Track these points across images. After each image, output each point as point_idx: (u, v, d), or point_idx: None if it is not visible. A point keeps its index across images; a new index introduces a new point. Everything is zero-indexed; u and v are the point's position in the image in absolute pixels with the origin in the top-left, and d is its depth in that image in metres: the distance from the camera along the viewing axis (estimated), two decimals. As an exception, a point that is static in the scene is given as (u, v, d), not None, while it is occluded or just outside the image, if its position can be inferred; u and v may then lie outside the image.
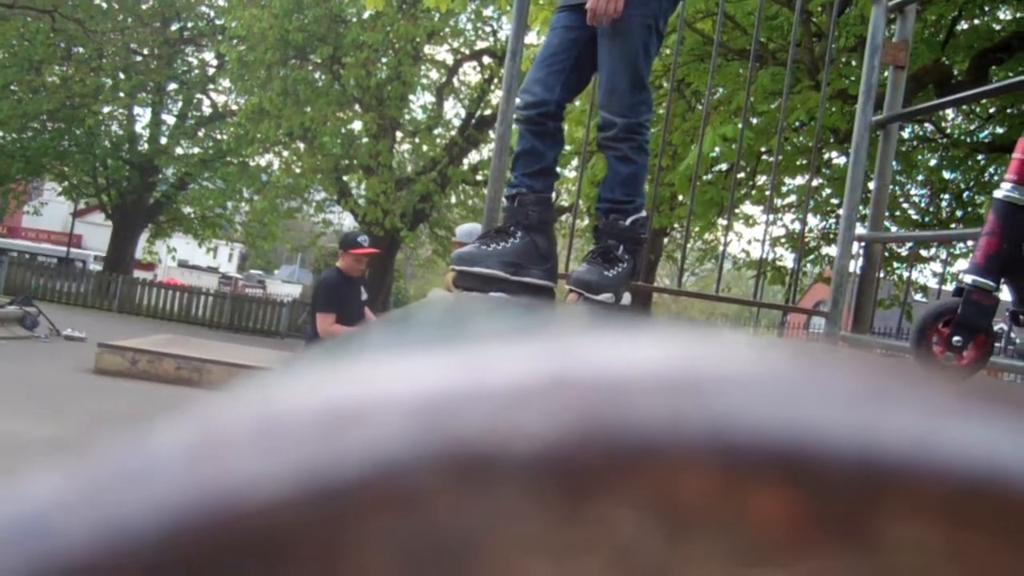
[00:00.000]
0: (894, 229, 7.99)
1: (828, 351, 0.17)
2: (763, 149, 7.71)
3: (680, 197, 8.19)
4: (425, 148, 17.24)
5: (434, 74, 18.06)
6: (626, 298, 2.02)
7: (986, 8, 7.79)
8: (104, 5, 19.57)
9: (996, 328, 1.53)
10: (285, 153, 17.81)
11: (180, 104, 21.26)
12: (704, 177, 7.93)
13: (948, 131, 9.35)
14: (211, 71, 20.68)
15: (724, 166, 8.48)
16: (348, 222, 18.92)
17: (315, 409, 0.14)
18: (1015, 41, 6.83)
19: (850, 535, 0.13)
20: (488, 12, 16.30)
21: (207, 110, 21.22)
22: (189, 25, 20.52)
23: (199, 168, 20.07)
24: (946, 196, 9.54)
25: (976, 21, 7.88)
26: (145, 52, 20.08)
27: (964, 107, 8.58)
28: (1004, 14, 8.00)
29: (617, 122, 1.90)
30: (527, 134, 1.99)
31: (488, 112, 16.86)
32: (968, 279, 1.42)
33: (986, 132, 9.01)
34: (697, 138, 4.44)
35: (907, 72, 2.86)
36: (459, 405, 0.14)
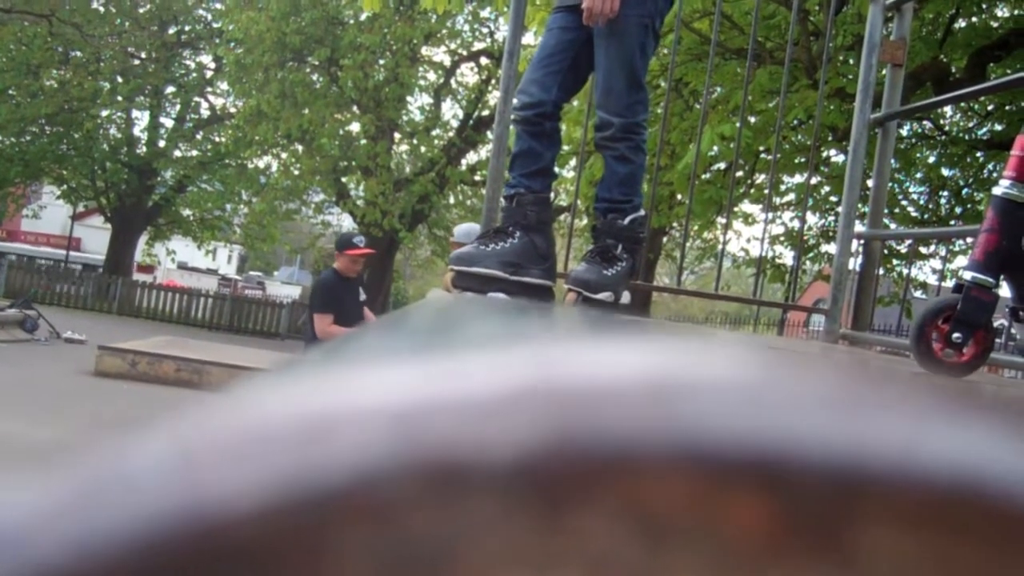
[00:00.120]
0: (893, 226, 7.99)
1: (805, 355, 0.17)
2: (761, 148, 7.71)
3: (679, 196, 8.19)
4: (423, 149, 17.25)
5: (432, 75, 18.07)
6: (625, 297, 2.02)
7: (984, 5, 7.79)
8: (101, 9, 19.57)
9: (996, 324, 1.53)
10: (283, 155, 17.82)
11: (178, 107, 21.27)
12: (703, 176, 7.93)
13: (947, 128, 9.35)
14: (209, 74, 20.68)
15: (722, 165, 8.49)
16: (347, 223, 18.92)
17: (294, 420, 0.14)
18: (1013, 38, 6.83)
19: (826, 543, 0.13)
20: (485, 13, 16.31)
21: (205, 113, 21.23)
22: (186, 29, 20.52)
23: (197, 171, 20.08)
24: (945, 193, 9.54)
25: (974, 19, 7.89)
26: (143, 56, 20.08)
27: (962, 104, 8.58)
28: (1002, 11, 8.00)
29: (614, 122, 1.90)
30: (524, 135, 1.99)
31: (486, 113, 16.86)
32: (967, 276, 1.42)
33: (984, 129, 9.02)
34: (695, 137, 4.44)
35: (905, 70, 2.86)
36: (435, 415, 0.14)
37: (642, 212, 2.01)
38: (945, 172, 9.26)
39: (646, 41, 1.89)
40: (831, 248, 7.70)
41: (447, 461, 0.13)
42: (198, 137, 20.77)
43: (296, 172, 17.07)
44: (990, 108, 8.47)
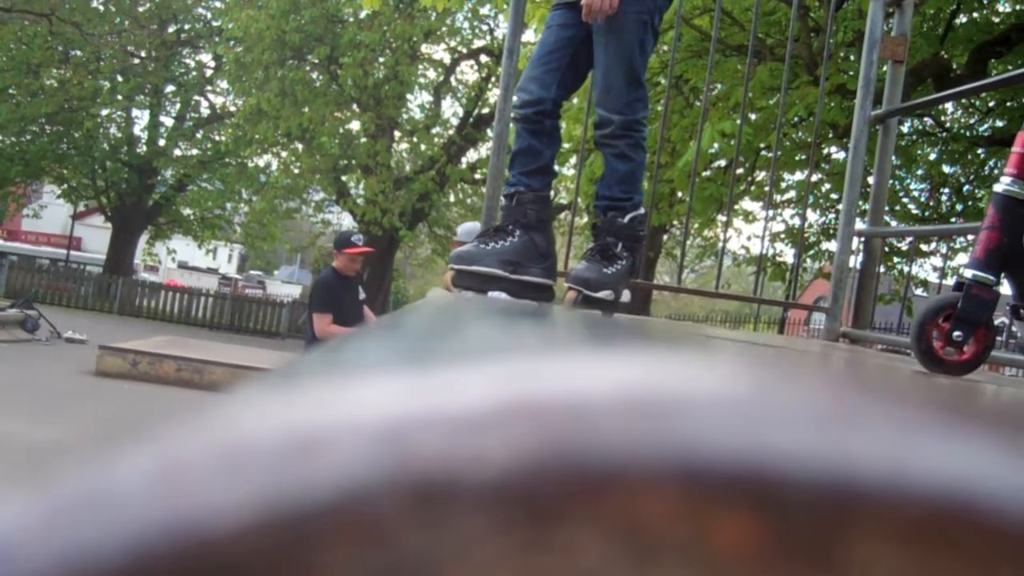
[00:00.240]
0: (894, 224, 7.98)
1: (799, 363, 0.17)
2: (762, 145, 7.70)
3: (679, 194, 8.18)
4: (423, 147, 17.24)
5: (431, 73, 18.06)
6: (625, 295, 2.01)
7: (984, 1, 7.78)
8: (101, 8, 19.56)
9: (997, 322, 1.52)
10: (283, 154, 17.82)
11: (178, 106, 21.26)
12: (703, 173, 7.92)
13: (948, 125, 9.34)
14: (208, 73, 20.68)
15: (723, 162, 8.48)
16: (347, 222, 18.92)
17: (280, 435, 0.14)
18: (1014, 34, 6.82)
19: (817, 560, 0.13)
20: (485, 11, 16.29)
21: (205, 112, 21.22)
22: (186, 27, 20.51)
23: (198, 169, 20.07)
24: (946, 190, 9.53)
25: (975, 14, 7.87)
26: (143, 55, 20.08)
27: (963, 101, 8.57)
28: (1003, 7, 7.98)
29: (614, 119, 1.89)
30: (524, 133, 1.98)
31: (486, 111, 16.85)
32: (968, 273, 1.42)
33: (986, 126, 9.00)
34: (696, 134, 4.44)
35: (906, 66, 2.85)
36: (422, 431, 0.14)
37: (642, 210, 2.01)
38: (946, 169, 9.25)
39: (645, 38, 1.88)
40: (832, 246, 7.68)
41: (434, 477, 0.13)
42: (198, 136, 20.77)
43: (296, 171, 17.07)
44: (991, 104, 8.46)
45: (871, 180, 2.95)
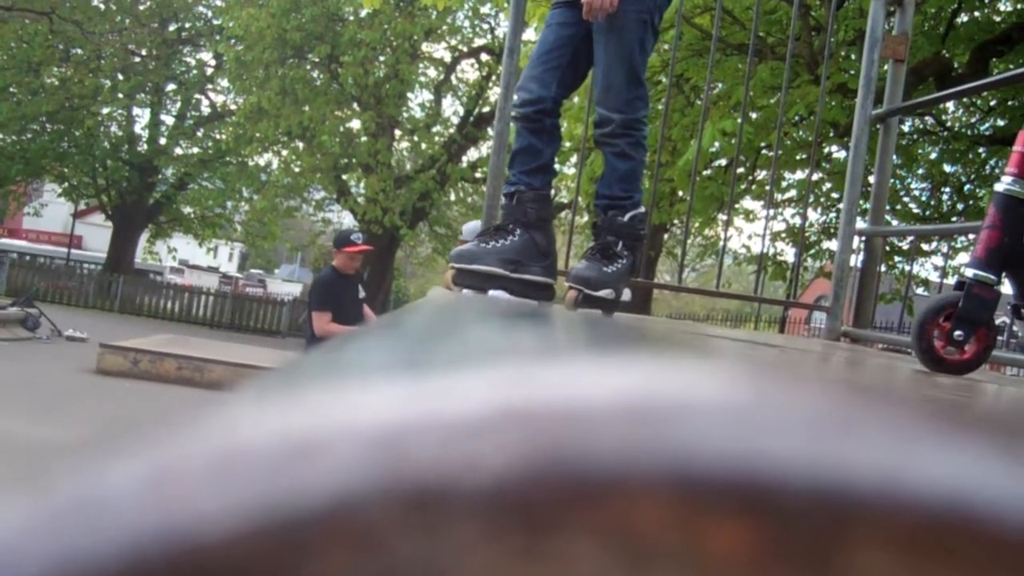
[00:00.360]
0: (895, 223, 7.97)
1: (796, 367, 0.16)
2: (763, 144, 7.69)
3: (680, 193, 8.18)
4: (424, 146, 17.23)
5: (432, 72, 18.05)
6: (626, 294, 2.01)
7: (986, 0, 7.77)
8: (102, 6, 19.56)
9: (998, 322, 1.52)
10: (284, 152, 17.81)
11: (179, 104, 21.26)
12: (704, 172, 7.92)
13: (949, 124, 9.33)
14: (209, 71, 20.67)
15: (724, 161, 8.47)
16: (348, 220, 18.91)
17: (273, 442, 0.14)
18: (1015, 33, 6.81)
19: (812, 568, 0.13)
20: (485, 9, 16.28)
21: (206, 110, 21.22)
22: (187, 25, 20.50)
23: (198, 168, 20.07)
24: (947, 189, 9.52)
25: (976, 13, 7.86)
26: (143, 53, 20.07)
27: (965, 100, 8.56)
28: (1004, 5, 7.97)
29: (614, 118, 1.89)
30: (524, 131, 1.98)
31: (486, 109, 16.84)
32: (969, 273, 1.42)
33: (987, 125, 8.99)
34: (696, 133, 4.43)
35: (907, 65, 2.85)
36: (416, 438, 0.14)
37: (642, 209, 2.01)
38: (947, 168, 9.24)
39: (645, 37, 1.88)
40: (832, 245, 7.68)
41: (427, 484, 0.13)
42: (199, 134, 20.77)
43: (297, 169, 17.07)
44: (992, 103, 8.45)
45: (872, 179, 2.95)
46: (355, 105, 16.73)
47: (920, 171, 9.58)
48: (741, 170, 8.43)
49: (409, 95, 17.23)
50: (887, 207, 3.64)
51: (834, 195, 9.05)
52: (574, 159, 8.01)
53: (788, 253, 10.41)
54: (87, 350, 9.18)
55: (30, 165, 19.74)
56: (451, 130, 17.71)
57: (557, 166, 2.17)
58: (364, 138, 16.27)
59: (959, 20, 7.62)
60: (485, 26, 17.22)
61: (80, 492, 0.14)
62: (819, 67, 6.21)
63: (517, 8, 2.29)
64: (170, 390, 7.27)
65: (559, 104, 1.98)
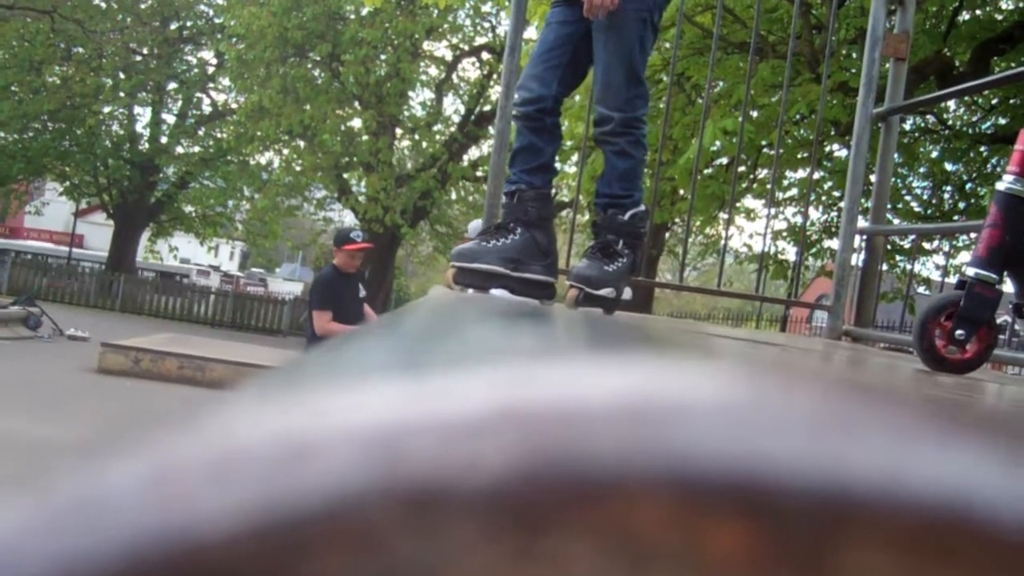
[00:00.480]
0: (896, 222, 7.96)
1: (795, 367, 0.16)
2: (764, 142, 7.69)
3: (681, 191, 8.18)
4: (425, 145, 17.23)
5: (433, 70, 18.05)
6: (627, 293, 2.01)
7: (987, -2, 7.75)
8: (103, 5, 19.56)
9: (999, 321, 1.52)
10: (285, 151, 17.81)
11: (180, 103, 21.27)
12: (705, 171, 7.91)
13: (950, 122, 9.32)
14: (210, 70, 20.67)
15: (725, 160, 8.47)
16: (349, 219, 18.91)
17: (271, 442, 0.14)
18: (1017, 31, 6.80)
19: (810, 568, 0.13)
20: (487, 8, 16.27)
21: (207, 109, 21.22)
22: (188, 24, 20.50)
23: (199, 167, 20.08)
24: (948, 188, 9.51)
25: (978, 11, 7.85)
26: (145, 52, 20.08)
27: (966, 98, 8.55)
28: (1006, 3, 7.96)
29: (614, 117, 1.89)
30: (525, 130, 1.98)
31: (488, 108, 16.83)
32: (970, 272, 1.41)
33: (988, 123, 8.98)
34: (697, 132, 4.43)
35: (908, 64, 2.84)
36: (414, 439, 0.14)
37: (642, 207, 2.00)
38: (949, 167, 9.23)
39: (645, 35, 1.87)
40: (834, 244, 7.68)
41: (426, 485, 0.13)
42: (200, 133, 20.77)
43: (298, 168, 17.07)
44: (994, 102, 8.44)
45: (873, 178, 2.95)
46: (356, 104, 16.73)
47: (922, 170, 9.57)
48: (742, 169, 8.42)
49: (410, 94, 17.24)
50: (888, 206, 3.63)
51: (835, 194, 9.04)
52: (575, 158, 8.00)
53: (789, 252, 10.40)
54: (88, 349, 9.19)
55: (31, 164, 19.75)
56: (452, 129, 17.70)
57: (558, 165, 2.17)
58: (365, 137, 16.27)
59: (960, 18, 7.61)
60: (486, 24, 17.23)
61: (80, 492, 0.14)
62: (820, 65, 6.20)
63: (518, 6, 2.29)
64: (171, 389, 7.27)
65: (560, 103, 1.98)
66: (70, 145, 19.96)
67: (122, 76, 19.57)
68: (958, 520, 0.13)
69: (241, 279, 31.42)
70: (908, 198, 9.68)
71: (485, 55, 17.36)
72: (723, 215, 8.85)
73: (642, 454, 0.13)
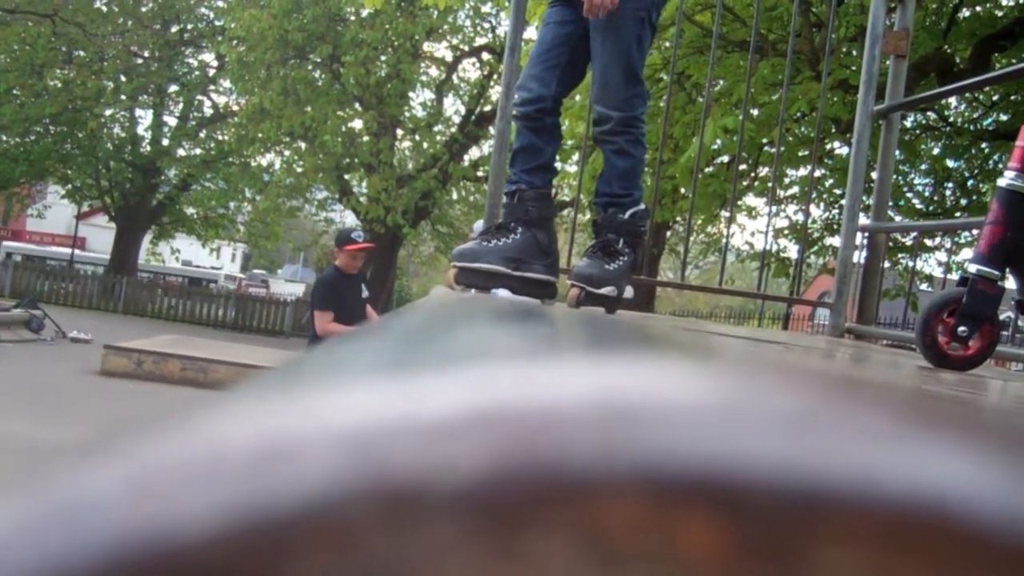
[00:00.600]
0: (898, 219, 7.95)
1: (772, 371, 0.16)
2: (765, 141, 7.68)
3: (682, 190, 8.17)
4: (426, 145, 17.23)
5: (433, 71, 18.06)
6: (628, 292, 2.00)
7: (988, -5, 7.74)
8: (104, 8, 19.59)
9: (1002, 317, 1.52)
10: (286, 152, 17.83)
11: (181, 105, 21.29)
12: (706, 170, 7.91)
13: (951, 119, 9.30)
14: (211, 72, 20.69)
15: (726, 158, 8.46)
16: (350, 220, 18.92)
17: (251, 445, 0.14)
18: (1018, 27, 6.78)
19: (781, 564, 0.13)
20: (487, 8, 16.28)
21: (208, 111, 21.24)
22: (189, 27, 20.52)
23: (201, 169, 20.10)
24: (950, 185, 9.50)
25: (978, 8, 7.83)
26: (146, 54, 20.10)
27: (967, 95, 8.53)
28: (1006, 0, 7.94)
29: (612, 116, 1.89)
30: (525, 130, 1.98)
31: (488, 108, 16.84)
32: (972, 268, 1.41)
33: (990, 120, 8.97)
34: (698, 130, 4.42)
35: (908, 61, 2.84)
36: (391, 440, 0.14)
37: (643, 206, 2.00)
38: (950, 163, 9.22)
39: (643, 34, 1.87)
40: (835, 241, 7.67)
41: (402, 486, 0.13)
42: (201, 135, 20.79)
43: (299, 169, 17.08)
44: (995, 98, 8.42)
45: (875, 175, 2.94)
46: (357, 105, 16.74)
47: (923, 166, 9.56)
48: (743, 167, 8.42)
49: (411, 94, 17.24)
50: (890, 203, 3.63)
51: (837, 191, 9.03)
52: (576, 157, 8.00)
53: (791, 250, 10.39)
54: (91, 351, 9.20)
55: (33, 167, 19.78)
56: (453, 129, 17.71)
57: (558, 164, 2.17)
58: (366, 138, 16.28)
59: (961, 15, 7.60)
60: (486, 25, 17.23)
61: (62, 494, 0.14)
62: (820, 63, 6.19)
63: (518, 7, 2.29)
64: (174, 391, 7.28)
65: (559, 103, 1.98)
66: (72, 148, 20.00)
67: (123, 79, 19.60)
68: (931, 516, 0.13)
69: (243, 280, 31.45)
70: (910, 195, 9.66)
71: (485, 55, 17.36)
72: (724, 213, 8.85)
73: (615, 454, 0.13)
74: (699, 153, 3.04)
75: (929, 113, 8.87)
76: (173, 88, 20.94)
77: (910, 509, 0.13)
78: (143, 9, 19.88)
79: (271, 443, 0.14)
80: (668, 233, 13.53)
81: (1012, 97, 7.77)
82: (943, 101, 8.61)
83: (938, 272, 9.18)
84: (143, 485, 0.14)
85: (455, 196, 18.73)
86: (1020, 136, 1.42)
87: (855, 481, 0.13)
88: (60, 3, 18.39)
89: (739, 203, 11.44)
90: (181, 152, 20.68)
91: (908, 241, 7.99)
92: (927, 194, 9.84)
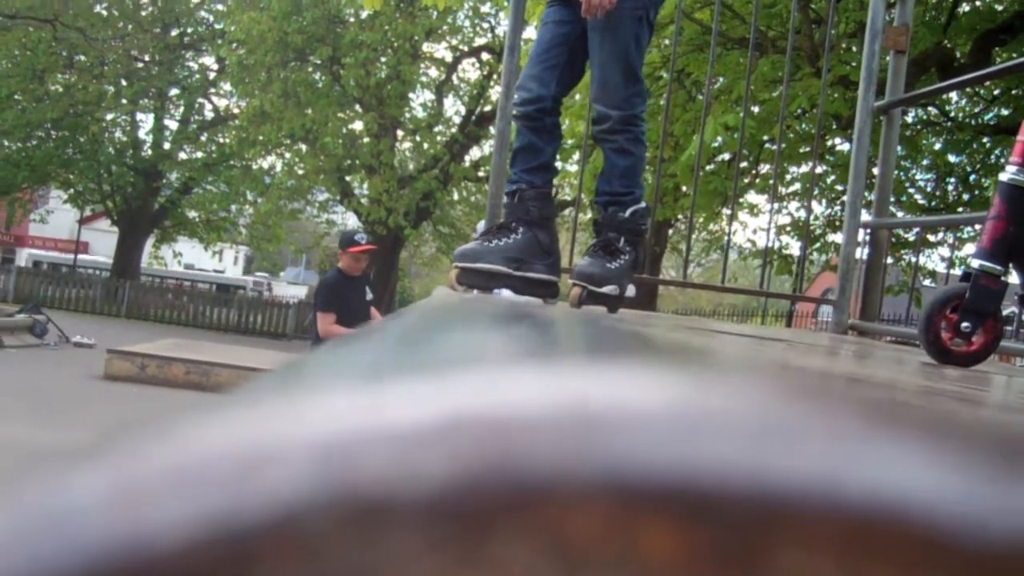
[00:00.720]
0: (900, 215, 7.94)
1: (736, 378, 0.16)
2: (765, 138, 7.67)
3: (683, 188, 8.16)
4: (426, 146, 17.24)
5: (433, 72, 18.06)
6: (630, 290, 2.00)
7: (988, -11, 7.72)
8: (104, 13, 19.62)
9: (1006, 312, 1.51)
10: (287, 155, 17.84)
11: (182, 109, 21.31)
12: (707, 167, 7.90)
13: (952, 114, 9.28)
14: (212, 75, 20.72)
15: (727, 156, 8.45)
16: (352, 222, 18.94)
17: (226, 455, 0.14)
18: (1018, 21, 6.77)
19: (744, 569, 0.13)
20: (486, 8, 16.28)
21: (209, 114, 21.26)
22: (189, 30, 20.55)
23: (202, 172, 20.13)
24: (952, 180, 9.48)
25: (977, 2, 7.82)
26: (146, 58, 20.13)
27: (968, 90, 8.51)
28: (1006, -6, 7.92)
29: (612, 115, 1.89)
30: (525, 130, 1.98)
31: (488, 108, 16.84)
32: (975, 263, 1.41)
33: (991, 114, 8.95)
34: (699, 128, 4.42)
35: (908, 56, 2.84)
36: (360, 449, 0.14)
37: (643, 204, 2.00)
38: (952, 158, 9.20)
39: (641, 32, 1.87)
40: (838, 238, 7.65)
41: (371, 494, 0.13)
42: (202, 139, 20.82)
43: (300, 171, 17.10)
44: (996, 93, 8.40)
45: (876, 171, 2.94)
46: (357, 106, 16.75)
47: (925, 162, 9.54)
48: (744, 164, 8.41)
49: (411, 95, 17.25)
50: (892, 199, 3.62)
51: (838, 188, 9.01)
52: (576, 156, 8.00)
53: (794, 247, 10.38)
54: (95, 356, 9.22)
55: (35, 172, 19.82)
56: (453, 129, 17.71)
57: (559, 164, 2.17)
58: (367, 139, 16.29)
59: (960, 10, 7.58)
60: (485, 25, 17.23)
61: (41, 502, 0.14)
62: (820, 60, 6.18)
63: (517, 7, 2.29)
64: (177, 394, 7.29)
65: (559, 102, 1.98)
66: (74, 153, 20.03)
67: (124, 83, 19.63)
68: (894, 521, 0.13)
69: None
70: (912, 191, 9.65)
71: (485, 56, 17.37)
72: (726, 211, 8.84)
73: (579, 461, 0.13)
74: (700, 151, 3.03)
75: (930, 108, 8.85)
76: (174, 92, 20.96)
77: (872, 513, 0.13)
78: (143, 13, 19.91)
79: (245, 453, 0.14)
80: (670, 231, 13.52)
81: (1013, 91, 7.75)
82: (944, 96, 8.60)
83: (941, 268, 9.17)
84: (124, 495, 0.14)
85: (456, 197, 18.73)
86: (1021, 131, 1.41)
87: (818, 486, 0.13)
88: (60, 8, 18.42)
89: (741, 200, 11.42)
90: (182, 155, 20.71)
91: (911, 237, 7.97)
92: (929, 189, 9.82)
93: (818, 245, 9.99)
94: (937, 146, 9.37)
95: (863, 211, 2.85)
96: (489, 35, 17.15)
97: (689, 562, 0.13)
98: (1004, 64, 5.23)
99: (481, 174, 16.94)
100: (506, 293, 1.96)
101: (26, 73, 18.70)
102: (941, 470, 0.13)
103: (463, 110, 18.23)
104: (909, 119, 8.41)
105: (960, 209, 8.62)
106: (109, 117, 20.30)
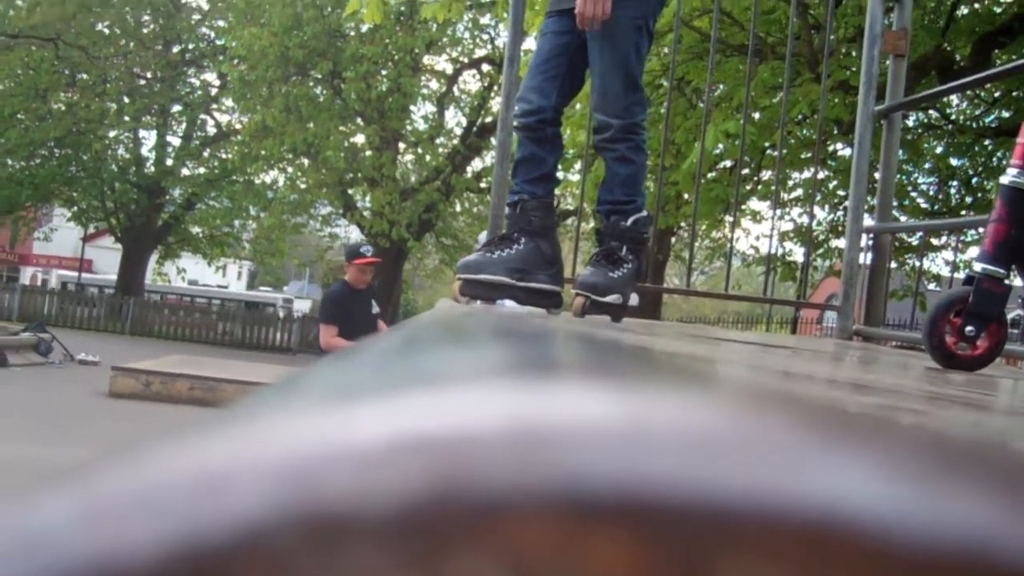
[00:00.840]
0: (903, 219, 7.93)
1: (687, 394, 0.17)
2: (767, 144, 7.68)
3: (685, 196, 8.17)
4: (428, 158, 17.29)
5: (434, 84, 18.14)
6: (634, 299, 2.00)
7: (985, -8, 7.74)
8: (106, 31, 19.76)
9: (1012, 316, 1.51)
10: (289, 169, 17.91)
11: (184, 125, 21.42)
12: (708, 175, 7.91)
13: (953, 117, 9.28)
14: (214, 91, 20.83)
15: (728, 163, 8.46)
16: (355, 235, 18.97)
17: (192, 474, 0.15)
18: (1017, 23, 6.78)
19: None
20: (485, 20, 16.36)
21: (211, 130, 21.37)
22: (190, 47, 20.68)
23: (205, 188, 20.20)
24: (954, 183, 9.46)
25: (976, 5, 7.83)
26: (148, 75, 20.26)
27: (968, 92, 8.52)
28: (1004, -3, 7.94)
29: (613, 123, 1.89)
30: (526, 141, 1.98)
31: (489, 119, 16.88)
32: (978, 267, 1.40)
33: (992, 117, 8.94)
34: (700, 136, 4.43)
35: (908, 60, 2.84)
36: (322, 468, 0.14)
37: (645, 212, 2.00)
38: (953, 162, 9.18)
39: (640, 41, 1.88)
40: (841, 243, 7.64)
41: (330, 513, 0.14)
42: (205, 154, 20.91)
43: (303, 185, 17.15)
44: (997, 95, 8.40)
45: (878, 176, 2.93)
46: (359, 120, 16.82)
47: (927, 165, 9.53)
48: (746, 171, 8.41)
49: (412, 108, 17.31)
50: (894, 203, 3.62)
51: (840, 193, 9.00)
52: (578, 166, 8.01)
53: (797, 253, 10.36)
54: (99, 373, 9.23)
55: (39, 190, 19.92)
56: (455, 141, 17.77)
57: (561, 174, 2.18)
58: (368, 152, 16.34)
59: (959, 13, 7.59)
60: (485, 37, 17.31)
61: (9, 527, 0.14)
62: (820, 65, 6.19)
63: (516, 18, 2.30)
64: (182, 411, 7.29)
65: (559, 112, 1.99)
66: (77, 171, 20.13)
67: (126, 100, 19.75)
68: (845, 532, 0.13)
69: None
70: (914, 194, 9.63)
71: (485, 67, 17.43)
72: (728, 218, 8.83)
73: (531, 477, 0.13)
74: (701, 158, 3.03)
75: (931, 111, 8.85)
76: (176, 108, 21.08)
77: (823, 524, 0.13)
78: (145, 31, 20.05)
79: (210, 472, 0.15)
80: (673, 239, 13.51)
81: (1014, 93, 7.75)
82: (944, 99, 8.60)
83: (946, 271, 9.14)
84: (91, 515, 0.14)
85: (459, 208, 18.77)
86: (1022, 133, 1.41)
87: (770, 499, 0.13)
88: (63, 27, 18.56)
89: (743, 207, 11.42)
90: (185, 172, 20.80)
91: (914, 241, 7.95)
92: (932, 193, 9.81)
93: (821, 251, 9.97)
94: (939, 149, 9.36)
95: (866, 216, 2.85)
96: (489, 46, 17.22)
97: (642, 575, 0.13)
98: (1004, 66, 5.23)
99: (483, 185, 16.97)
100: (510, 304, 1.96)
101: (29, 92, 18.82)
102: (894, 480, 0.14)
103: (464, 121, 18.29)
104: (910, 123, 8.41)
105: (963, 212, 8.60)
106: (112, 134, 20.41)
